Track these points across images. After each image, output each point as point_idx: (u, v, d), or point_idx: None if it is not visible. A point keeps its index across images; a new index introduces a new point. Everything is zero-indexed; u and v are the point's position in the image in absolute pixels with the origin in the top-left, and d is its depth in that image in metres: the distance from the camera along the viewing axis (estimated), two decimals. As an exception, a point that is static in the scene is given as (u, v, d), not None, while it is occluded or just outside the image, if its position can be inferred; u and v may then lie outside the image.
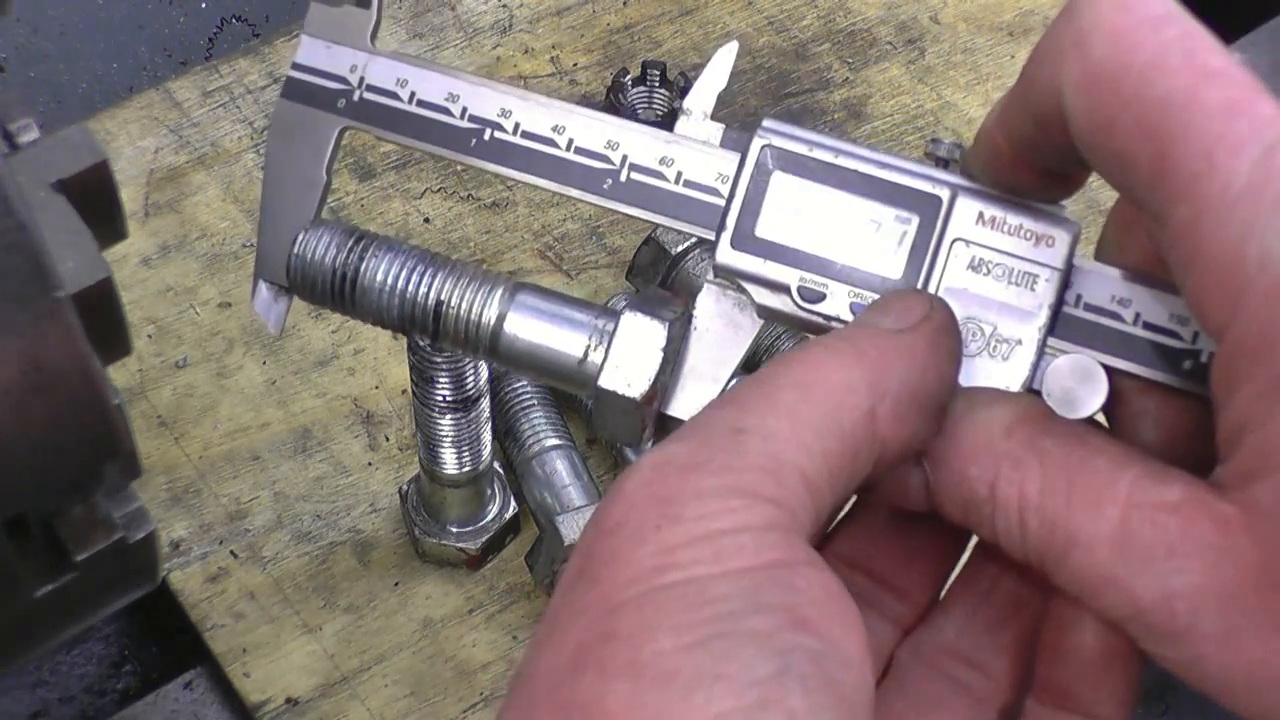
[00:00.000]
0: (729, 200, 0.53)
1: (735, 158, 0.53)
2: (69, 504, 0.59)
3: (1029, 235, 0.51)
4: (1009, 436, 0.47)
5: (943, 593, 0.52)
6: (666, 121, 0.94)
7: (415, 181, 0.96)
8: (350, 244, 0.57)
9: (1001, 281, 0.51)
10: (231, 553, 0.85)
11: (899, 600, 0.52)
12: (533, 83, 1.00)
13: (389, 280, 0.56)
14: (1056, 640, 0.49)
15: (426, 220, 0.94)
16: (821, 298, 0.52)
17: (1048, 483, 0.46)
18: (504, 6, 1.03)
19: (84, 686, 0.86)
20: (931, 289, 0.51)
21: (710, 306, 0.54)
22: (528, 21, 1.03)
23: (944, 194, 0.51)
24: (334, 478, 0.87)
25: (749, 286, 0.52)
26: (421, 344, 0.77)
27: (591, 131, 0.55)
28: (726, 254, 0.52)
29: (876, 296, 0.51)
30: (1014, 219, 0.51)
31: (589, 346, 0.54)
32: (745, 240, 0.52)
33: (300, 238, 0.57)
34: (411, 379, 0.79)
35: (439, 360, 0.77)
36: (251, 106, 0.98)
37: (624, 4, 1.04)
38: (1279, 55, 1.02)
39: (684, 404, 0.53)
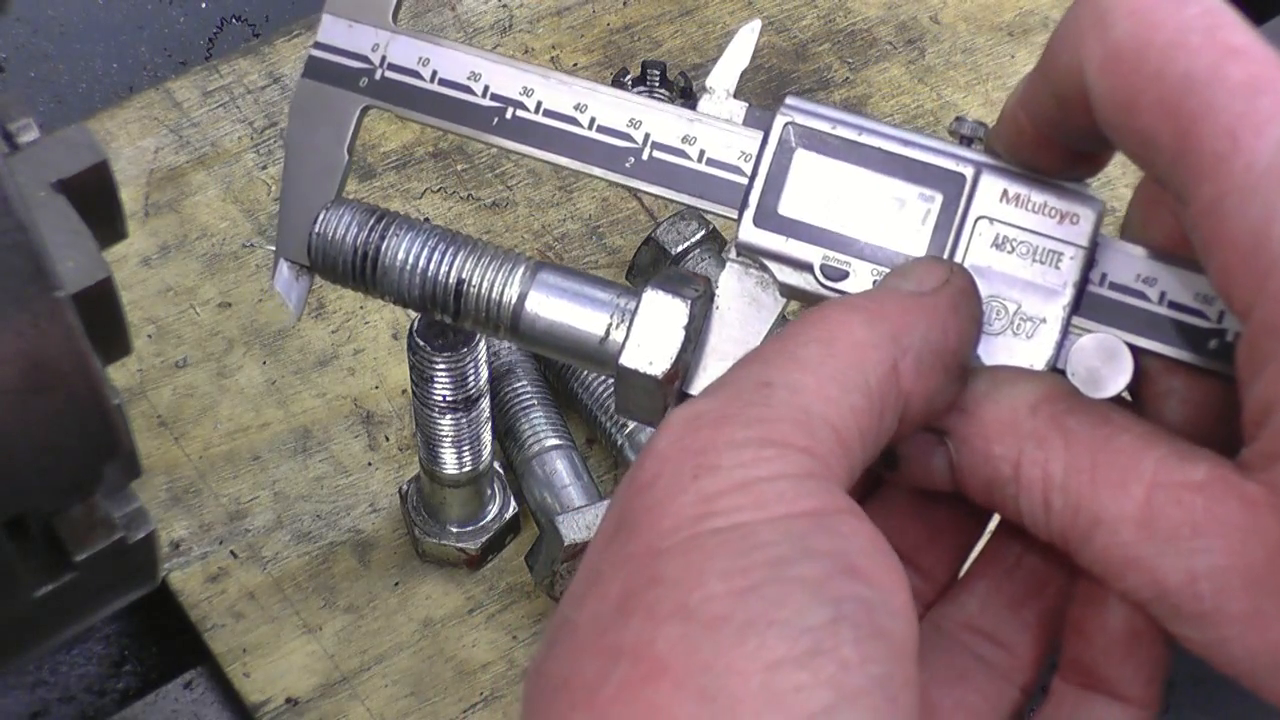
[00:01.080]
0: (751, 178, 0.53)
1: (758, 136, 0.53)
2: (69, 504, 0.59)
3: (1053, 213, 0.51)
4: (1033, 415, 0.47)
5: (963, 571, 0.52)
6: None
7: (415, 181, 0.96)
8: (371, 223, 0.56)
9: (1025, 259, 0.51)
10: (231, 553, 0.85)
11: (920, 577, 0.52)
12: (533, 83, 1.00)
13: (410, 259, 0.56)
14: (1082, 619, 0.49)
15: (427, 220, 0.94)
16: (844, 276, 0.52)
17: (1072, 462, 0.46)
18: (504, 6, 1.03)
19: (84, 686, 0.86)
20: None
21: (733, 285, 0.53)
22: (528, 21, 1.03)
23: (968, 171, 0.51)
24: (334, 478, 0.87)
25: (771, 265, 0.52)
26: (421, 342, 0.77)
27: (614, 110, 0.55)
28: (749, 232, 0.52)
29: None
30: (1038, 196, 0.51)
31: (610, 325, 0.54)
32: (768, 218, 0.52)
33: (321, 216, 0.56)
34: (411, 379, 0.79)
35: (439, 360, 0.77)
36: (251, 106, 0.98)
37: (624, 4, 1.04)
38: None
39: (706, 383, 0.53)
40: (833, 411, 0.45)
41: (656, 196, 0.55)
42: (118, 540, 0.62)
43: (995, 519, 0.51)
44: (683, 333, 0.52)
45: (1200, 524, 0.44)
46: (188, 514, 0.86)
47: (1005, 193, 0.51)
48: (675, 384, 0.53)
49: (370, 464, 0.88)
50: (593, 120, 0.55)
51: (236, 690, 0.82)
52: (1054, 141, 0.49)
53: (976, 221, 0.51)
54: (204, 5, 1.13)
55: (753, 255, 0.53)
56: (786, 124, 0.53)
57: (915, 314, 0.47)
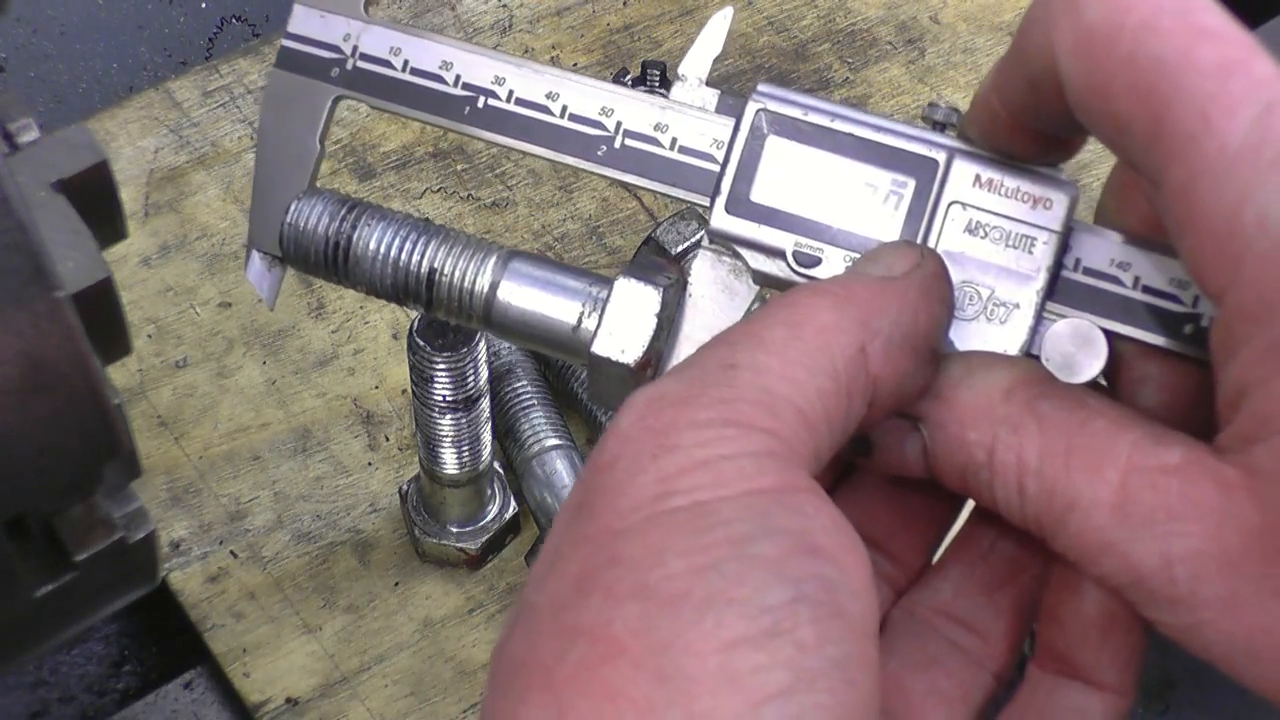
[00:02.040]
0: (724, 165, 0.52)
1: (730, 123, 0.53)
2: (69, 504, 0.59)
3: (1026, 198, 0.50)
4: (1007, 400, 0.47)
5: (936, 557, 0.52)
6: (666, 121, 0.94)
7: (415, 181, 0.96)
8: (343, 213, 0.56)
9: (999, 244, 0.50)
10: (231, 553, 0.85)
11: (892, 563, 0.52)
12: (533, 83, 1.00)
13: (382, 249, 0.56)
14: (1057, 606, 0.49)
15: (427, 220, 0.94)
16: (817, 262, 0.52)
17: (1046, 447, 0.46)
18: (504, 6, 1.03)
19: (84, 686, 0.86)
20: None
21: (706, 273, 0.53)
22: (528, 21, 1.03)
23: (940, 157, 0.51)
24: (334, 478, 0.87)
25: (744, 252, 0.52)
26: (421, 342, 0.77)
27: (585, 98, 0.55)
28: (721, 219, 0.52)
29: None
30: (1011, 182, 0.50)
31: (582, 313, 0.54)
32: (740, 205, 0.52)
33: (293, 206, 0.56)
34: (411, 379, 0.79)
35: (439, 360, 0.77)
36: (251, 106, 0.98)
37: (624, 4, 1.04)
38: (1279, 55, 1.02)
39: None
40: (798, 394, 0.44)
41: (628, 186, 0.55)
42: (118, 540, 0.62)
43: (969, 505, 0.51)
44: (655, 320, 0.52)
45: (1175, 508, 0.44)
46: (188, 514, 0.86)
47: (978, 178, 0.51)
48: (648, 371, 0.53)
49: (370, 464, 0.88)
50: (564, 109, 0.55)
51: (236, 690, 0.82)
52: (1027, 127, 0.49)
53: (949, 207, 0.51)
54: (204, 5, 1.13)
55: (725, 242, 0.52)
56: (758, 110, 0.53)
57: (884, 298, 0.47)
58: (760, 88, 0.53)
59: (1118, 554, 0.44)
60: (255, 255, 0.58)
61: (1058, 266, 0.50)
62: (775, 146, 0.52)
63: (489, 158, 0.97)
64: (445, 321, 0.81)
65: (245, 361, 0.90)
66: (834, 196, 0.52)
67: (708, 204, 0.53)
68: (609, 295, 0.53)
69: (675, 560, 0.41)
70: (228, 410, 0.89)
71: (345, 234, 0.56)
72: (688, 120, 0.54)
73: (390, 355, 0.91)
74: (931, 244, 0.51)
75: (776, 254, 0.52)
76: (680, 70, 0.56)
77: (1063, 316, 0.50)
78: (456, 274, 0.55)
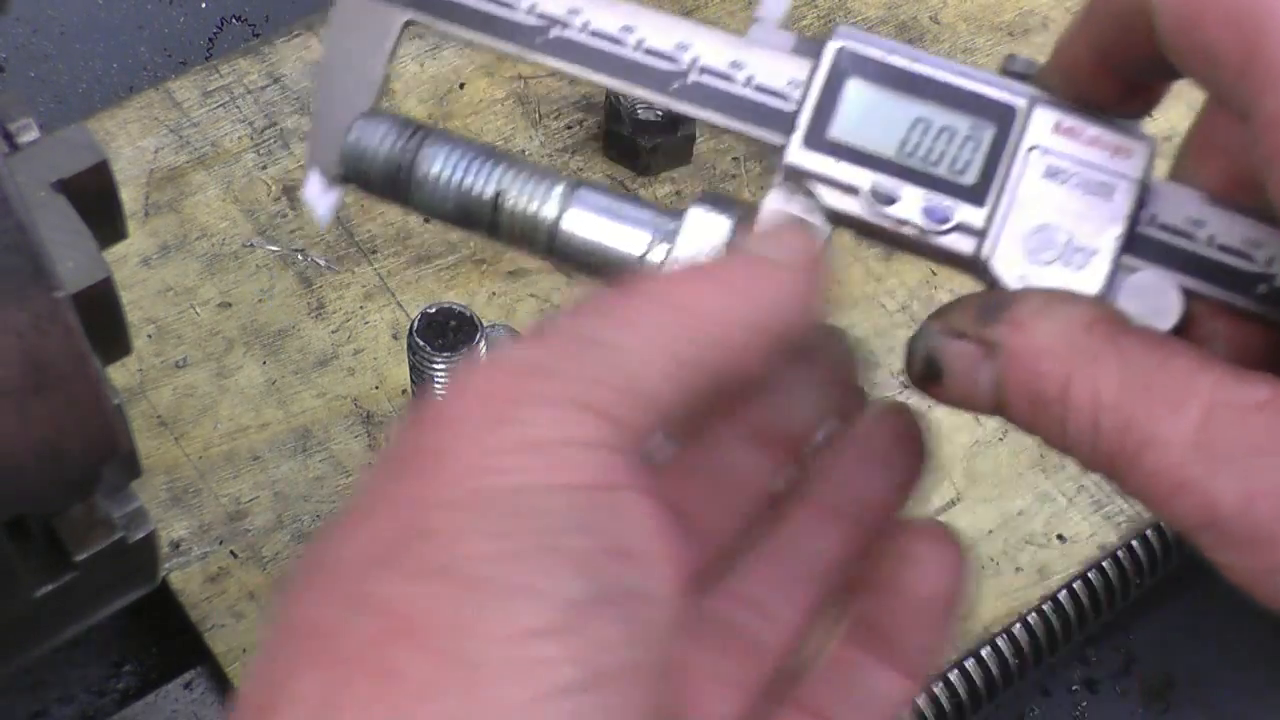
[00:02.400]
0: (802, 100, 0.52)
1: (808, 64, 0.53)
2: (69, 504, 0.59)
3: (1106, 146, 0.50)
4: (1088, 332, 0.46)
5: (743, 540, 0.52)
6: (665, 120, 0.94)
7: (415, 181, 0.96)
8: (407, 134, 0.55)
9: (1078, 191, 0.50)
10: (231, 553, 0.85)
11: (695, 540, 0.51)
12: (533, 82, 1.00)
13: (445, 171, 0.55)
14: (887, 583, 0.49)
15: (426, 220, 0.94)
16: (893, 201, 0.51)
17: (1126, 381, 0.45)
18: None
19: (84, 686, 0.86)
20: (1006, 196, 0.50)
21: (778, 210, 0.52)
22: (528, 21, 1.03)
23: (1021, 103, 0.51)
24: (334, 478, 0.87)
25: (819, 188, 0.52)
26: (421, 342, 0.77)
27: (662, 32, 0.54)
28: (797, 154, 0.52)
29: (951, 202, 0.50)
30: (1092, 130, 0.50)
31: (650, 243, 0.53)
32: (817, 140, 0.52)
33: (356, 126, 0.56)
34: (411, 379, 0.79)
35: (439, 360, 0.77)
36: (251, 106, 0.98)
37: (624, 4, 1.04)
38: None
39: None
40: (659, 384, 0.43)
41: (702, 121, 0.55)
42: (118, 540, 0.62)
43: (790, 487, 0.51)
44: (724, 250, 0.51)
45: (1262, 443, 0.43)
46: (188, 514, 0.86)
47: (1058, 124, 0.51)
48: None
49: (370, 464, 0.88)
50: (640, 41, 0.54)
51: (237, 690, 0.82)
52: (1110, 72, 0.49)
53: (1029, 151, 0.51)
54: (204, 5, 1.13)
55: (799, 179, 0.52)
56: (839, 49, 0.53)
57: (766, 287, 0.46)
58: (840, 29, 0.53)
59: (1195, 491, 0.44)
60: (314, 174, 0.58)
61: (1135, 216, 0.50)
62: (855, 87, 0.52)
63: (489, 158, 0.98)
64: (445, 321, 0.81)
65: (245, 361, 0.90)
66: (912, 139, 0.52)
67: (780, 142, 0.52)
68: (679, 226, 0.52)
69: (483, 542, 0.40)
70: (228, 410, 0.89)
71: (409, 155, 0.55)
72: (764, 59, 0.54)
73: (390, 355, 0.91)
74: (1010, 188, 0.50)
75: (852, 191, 0.51)
76: (757, 13, 0.56)
77: (1137, 269, 0.50)
78: (522, 200, 0.55)
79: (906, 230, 0.51)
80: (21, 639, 0.66)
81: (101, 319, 0.56)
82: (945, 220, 0.51)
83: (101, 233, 0.58)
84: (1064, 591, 0.82)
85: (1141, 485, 0.45)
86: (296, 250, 0.93)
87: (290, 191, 0.95)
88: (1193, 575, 0.90)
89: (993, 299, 0.48)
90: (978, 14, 1.05)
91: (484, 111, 0.99)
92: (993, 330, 0.47)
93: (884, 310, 0.91)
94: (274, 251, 0.93)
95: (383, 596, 0.40)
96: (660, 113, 0.95)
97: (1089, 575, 0.83)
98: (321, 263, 0.93)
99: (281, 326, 0.91)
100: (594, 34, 0.54)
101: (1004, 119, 0.51)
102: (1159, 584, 0.86)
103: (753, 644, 0.51)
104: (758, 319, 0.45)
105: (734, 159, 0.98)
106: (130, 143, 0.97)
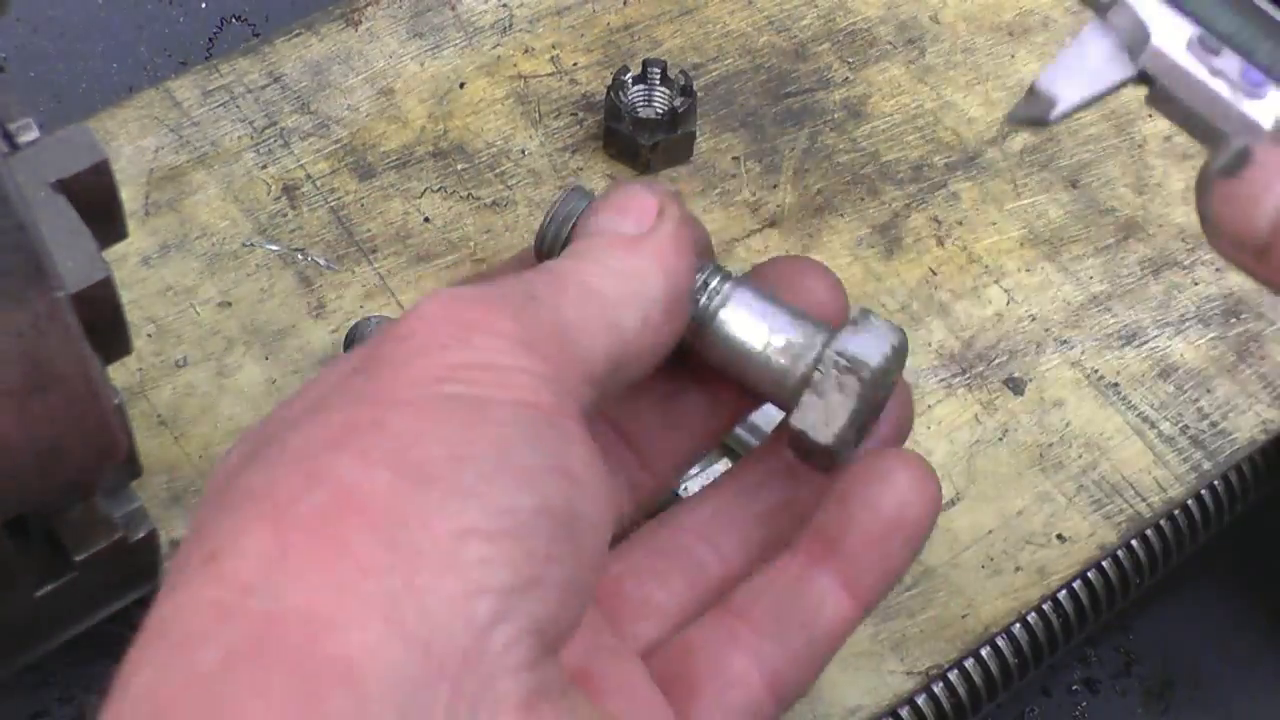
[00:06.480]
0: None
1: None
2: (69, 504, 0.59)
3: None
4: None
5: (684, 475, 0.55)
6: (666, 119, 0.94)
7: (415, 181, 0.96)
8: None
9: None
10: (231, 552, 0.85)
11: (642, 468, 0.54)
12: (533, 82, 1.00)
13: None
14: (853, 491, 0.51)
15: (426, 220, 0.94)
16: (1217, 52, 0.52)
17: None
18: (504, 6, 1.03)
19: (84, 686, 0.86)
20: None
21: (1094, 38, 0.54)
22: (528, 21, 1.03)
23: None
24: (334, 477, 0.87)
25: (1151, 22, 0.53)
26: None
27: None
28: None
29: (1263, 80, 0.52)
30: None
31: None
32: None
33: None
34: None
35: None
36: (251, 106, 0.98)
37: (624, 4, 1.04)
38: (1279, 55, 1.02)
39: (1048, 75, 0.54)
40: (587, 348, 0.46)
41: None
42: (118, 540, 0.62)
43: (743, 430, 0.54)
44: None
45: None
46: (188, 514, 0.86)
47: None
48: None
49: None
50: None
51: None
52: None
53: None
54: (204, 5, 1.13)
55: (1131, 11, 0.53)
56: None
57: (648, 266, 0.49)
58: None
59: None
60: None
61: None
62: None
63: (489, 157, 0.98)
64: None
65: (245, 361, 0.90)
66: (1235, 26, 0.53)
67: None
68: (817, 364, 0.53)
69: (436, 445, 0.42)
70: (228, 410, 0.89)
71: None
72: None
73: (390, 355, 0.91)
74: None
75: (1180, 36, 0.53)
76: None
77: None
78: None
79: (1218, 84, 0.52)
80: (21, 639, 0.66)
81: (101, 319, 0.56)
82: (1259, 84, 0.52)
83: (101, 232, 0.58)
84: (1064, 591, 0.82)
85: None
86: (296, 250, 0.93)
87: (290, 191, 0.95)
88: (1193, 575, 0.90)
89: None
90: (978, 14, 1.05)
91: (484, 111, 0.99)
92: None
93: (884, 310, 0.91)
94: (274, 251, 0.93)
95: (336, 474, 0.41)
96: (661, 111, 0.95)
97: (1089, 575, 0.83)
98: (321, 262, 0.93)
99: (281, 326, 0.91)
100: None
101: None
102: (1159, 584, 0.86)
103: (691, 574, 0.53)
104: (644, 293, 0.49)
105: (734, 158, 0.98)
106: (130, 142, 0.97)
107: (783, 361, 0.53)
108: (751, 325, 0.53)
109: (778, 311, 0.53)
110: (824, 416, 0.51)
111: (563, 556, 0.42)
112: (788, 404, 0.53)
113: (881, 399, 0.53)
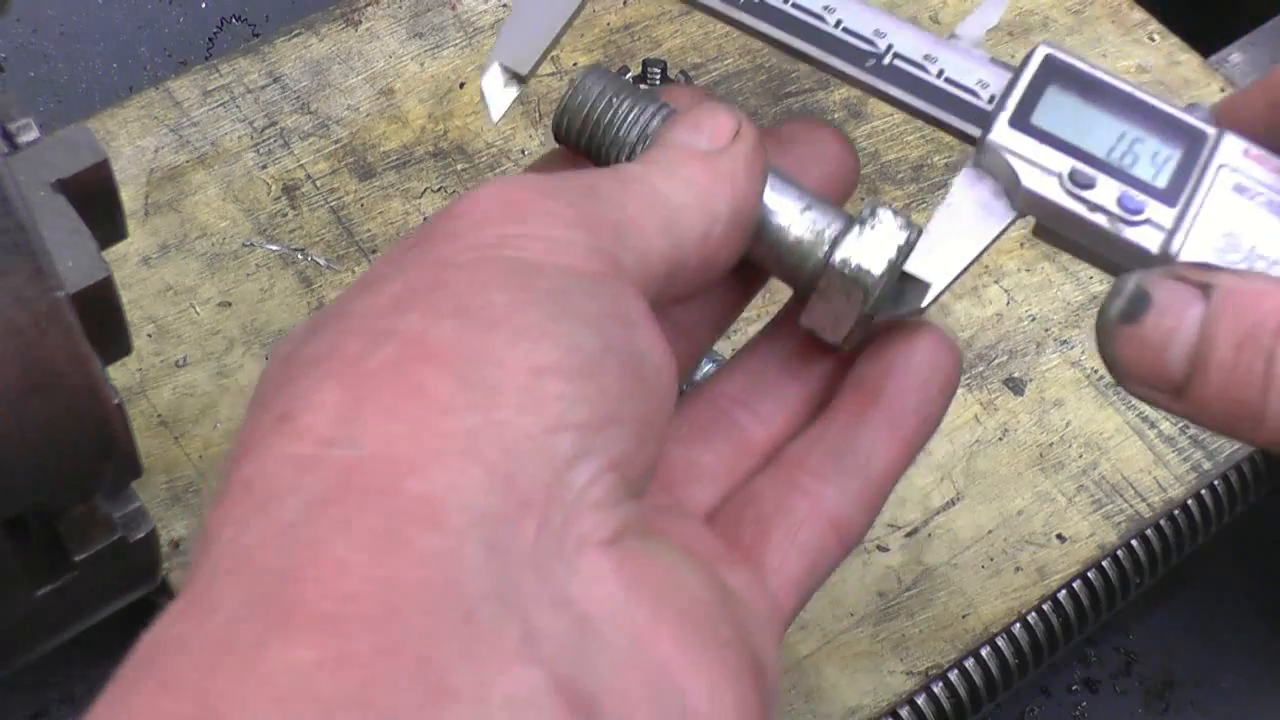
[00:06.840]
0: (1009, 88, 0.56)
1: (999, 70, 0.57)
2: (69, 504, 0.59)
3: None
4: None
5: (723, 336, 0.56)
6: (666, 121, 0.94)
7: (415, 181, 0.96)
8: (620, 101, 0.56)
9: (1264, 209, 0.53)
10: (231, 552, 0.85)
11: (682, 336, 0.54)
12: (532, 82, 1.00)
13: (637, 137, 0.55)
14: (887, 350, 0.53)
15: (426, 220, 0.94)
16: (1092, 185, 0.53)
17: None
18: (504, 6, 1.03)
19: (84, 686, 0.86)
20: (1196, 202, 0.53)
21: (966, 189, 0.55)
22: (528, 21, 1.03)
23: (1211, 130, 0.54)
24: (334, 477, 0.87)
25: (1020, 166, 0.54)
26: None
27: (861, 18, 0.58)
28: (1002, 132, 0.55)
29: (1143, 199, 0.53)
30: (1277, 161, 0.54)
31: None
32: (1022, 123, 0.55)
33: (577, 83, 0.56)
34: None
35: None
36: (251, 106, 0.99)
37: (624, 3, 1.04)
38: (1279, 55, 1.02)
39: (919, 257, 0.54)
40: (645, 244, 0.46)
41: (894, 101, 0.57)
42: (118, 540, 0.62)
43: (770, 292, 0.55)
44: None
45: None
46: (188, 514, 0.86)
47: (1247, 151, 0.54)
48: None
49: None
50: (839, 22, 0.58)
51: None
52: None
53: (1219, 169, 0.53)
54: (204, 5, 1.13)
55: (1000, 157, 0.54)
56: (1046, 55, 0.56)
57: (718, 182, 0.49)
58: (1044, 42, 0.57)
59: None
60: (496, 66, 0.59)
61: None
62: (1056, 93, 0.55)
63: (489, 157, 0.98)
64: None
65: (245, 361, 0.90)
66: (1109, 141, 0.54)
67: (969, 130, 0.55)
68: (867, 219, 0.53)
69: (498, 293, 0.42)
70: (228, 410, 0.89)
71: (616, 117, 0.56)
72: (957, 59, 0.58)
73: (390, 355, 0.91)
74: (1200, 195, 0.53)
75: (1052, 174, 0.54)
76: (956, 31, 0.59)
77: None
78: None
79: (1097, 218, 0.53)
80: (21, 639, 0.66)
81: (101, 319, 0.56)
82: (1138, 212, 0.53)
83: (101, 232, 0.58)
84: (1064, 591, 0.82)
85: None
86: (296, 250, 0.93)
87: (290, 191, 0.95)
88: (1193, 575, 0.90)
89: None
90: (978, 14, 1.05)
91: (484, 111, 0.99)
92: (1211, 275, 0.49)
93: (884, 310, 0.92)
94: (274, 251, 0.93)
95: (405, 330, 0.41)
96: (660, 112, 0.95)
97: (1089, 575, 0.83)
98: (321, 262, 0.93)
99: (281, 326, 0.91)
100: (796, 6, 0.58)
101: (1195, 140, 0.54)
102: (1159, 584, 0.86)
103: (737, 438, 0.53)
104: (710, 208, 0.49)
105: (734, 159, 0.98)
106: (130, 142, 0.97)
107: (791, 260, 0.53)
108: (764, 216, 0.54)
109: (791, 203, 0.54)
110: (831, 320, 0.53)
111: (636, 395, 0.42)
112: (800, 294, 0.54)
113: (889, 288, 0.53)
